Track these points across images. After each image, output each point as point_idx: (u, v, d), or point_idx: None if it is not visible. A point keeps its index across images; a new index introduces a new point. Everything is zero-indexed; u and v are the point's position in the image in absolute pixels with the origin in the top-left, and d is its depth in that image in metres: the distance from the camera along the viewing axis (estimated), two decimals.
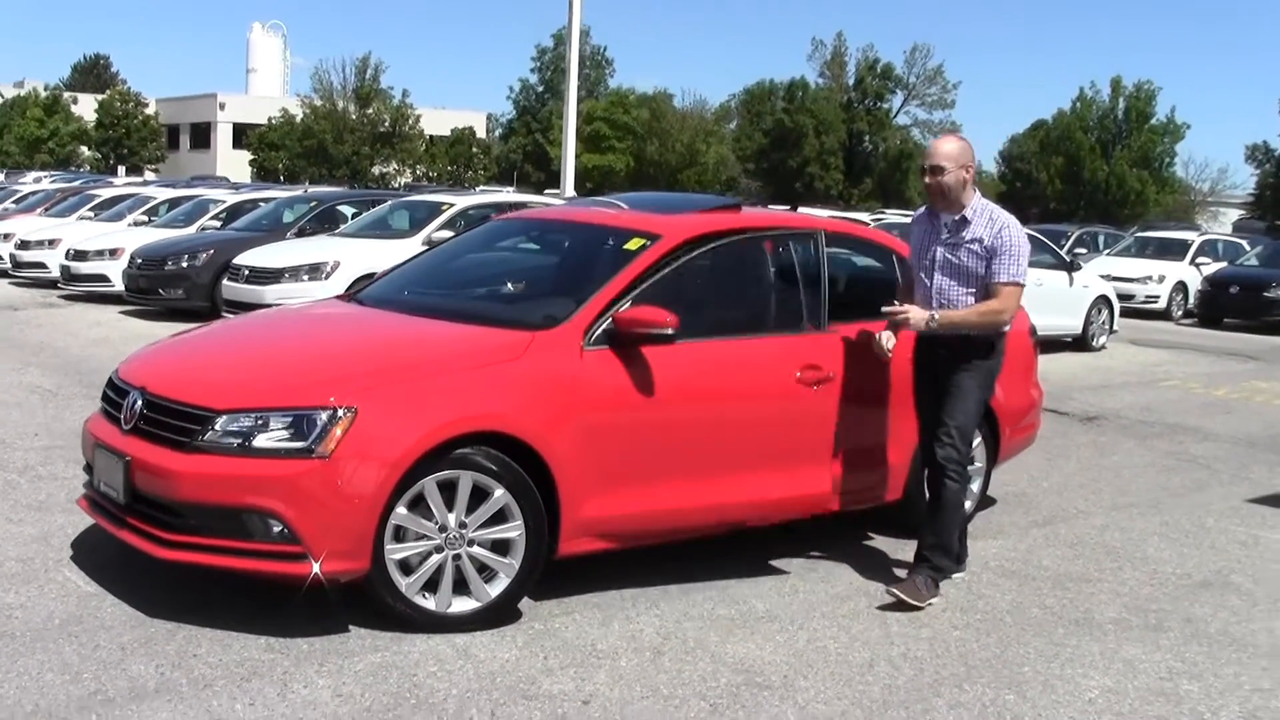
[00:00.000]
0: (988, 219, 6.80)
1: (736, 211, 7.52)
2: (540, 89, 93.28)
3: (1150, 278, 28.79)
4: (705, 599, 6.59)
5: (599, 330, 6.25)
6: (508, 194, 25.88)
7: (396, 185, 71.69)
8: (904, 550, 7.64)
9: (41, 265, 22.62)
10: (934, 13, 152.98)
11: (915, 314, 6.77)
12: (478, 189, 59.87)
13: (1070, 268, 20.37)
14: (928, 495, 7.00)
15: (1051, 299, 19.29)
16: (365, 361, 6.12)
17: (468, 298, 7.45)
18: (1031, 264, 19.02)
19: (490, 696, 5.18)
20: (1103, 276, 23.85)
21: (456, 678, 5.36)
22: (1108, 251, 32.70)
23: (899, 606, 6.51)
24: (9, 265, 23.66)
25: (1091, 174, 79.52)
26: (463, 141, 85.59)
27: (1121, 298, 22.90)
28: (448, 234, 16.58)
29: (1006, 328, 6.92)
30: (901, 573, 7.15)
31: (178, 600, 6.05)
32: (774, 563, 7.27)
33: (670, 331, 6.15)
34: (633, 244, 6.70)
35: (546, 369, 6.07)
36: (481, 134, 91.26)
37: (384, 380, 5.82)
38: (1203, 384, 17.25)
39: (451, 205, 17.96)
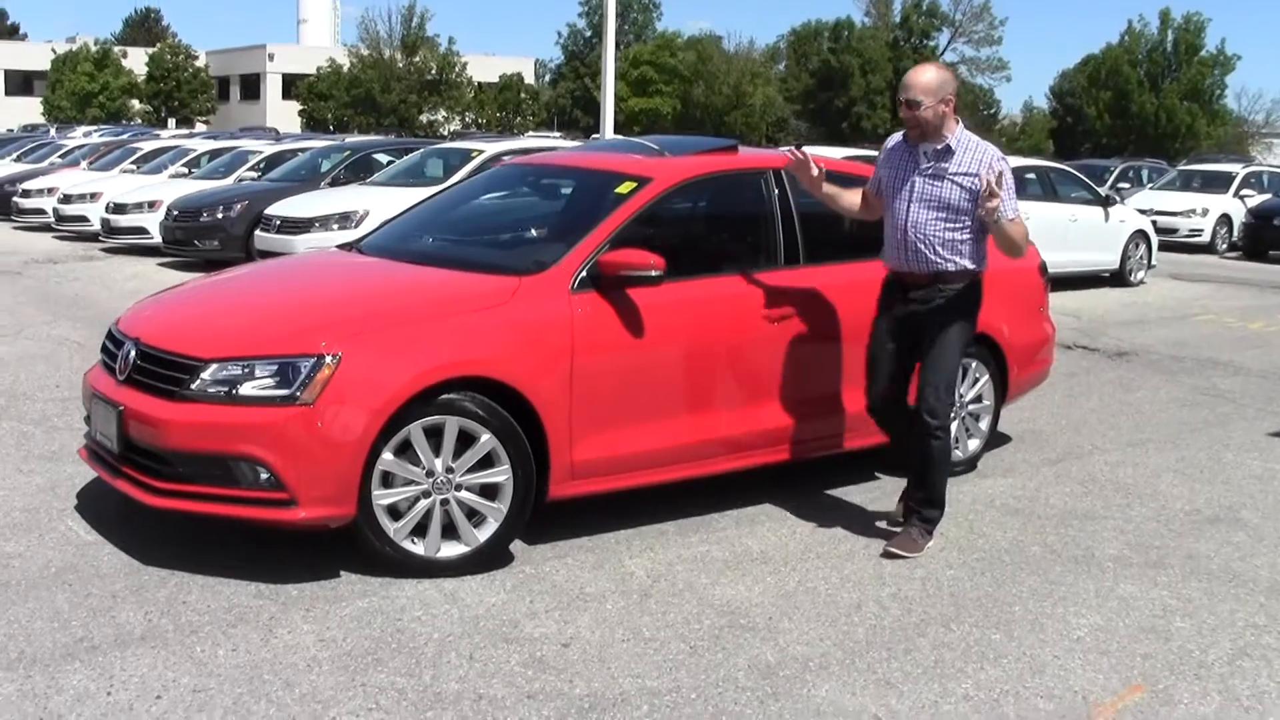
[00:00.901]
0: (974, 151, 6.42)
1: (733, 153, 7.47)
2: (589, 34, 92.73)
3: (1194, 211, 28.43)
4: (700, 540, 6.60)
5: (585, 274, 6.24)
6: (547, 139, 25.71)
7: (444, 133, 71.61)
8: None
9: (83, 219, 22.79)
10: None
11: (999, 205, 6.23)
12: (525, 135, 59.83)
13: (1106, 202, 20.16)
14: (913, 451, 6.65)
15: (1087, 234, 19.18)
16: (351, 309, 6.14)
17: (461, 244, 7.44)
18: (1069, 199, 19.16)
19: (471, 640, 5.21)
20: (1145, 211, 23.63)
21: (440, 622, 5.40)
22: (1151, 185, 32.34)
23: (896, 557, 6.42)
24: (53, 219, 23.87)
25: (1140, 108, 78.38)
26: (511, 88, 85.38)
27: (1164, 232, 22.72)
28: None
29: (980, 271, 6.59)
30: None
31: (173, 549, 6.10)
32: (775, 505, 7.25)
33: (655, 274, 6.13)
34: (623, 187, 6.68)
35: (533, 313, 6.07)
36: (530, 80, 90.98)
37: (368, 327, 5.84)
38: (1239, 318, 17.08)
39: (481, 152, 17.93)
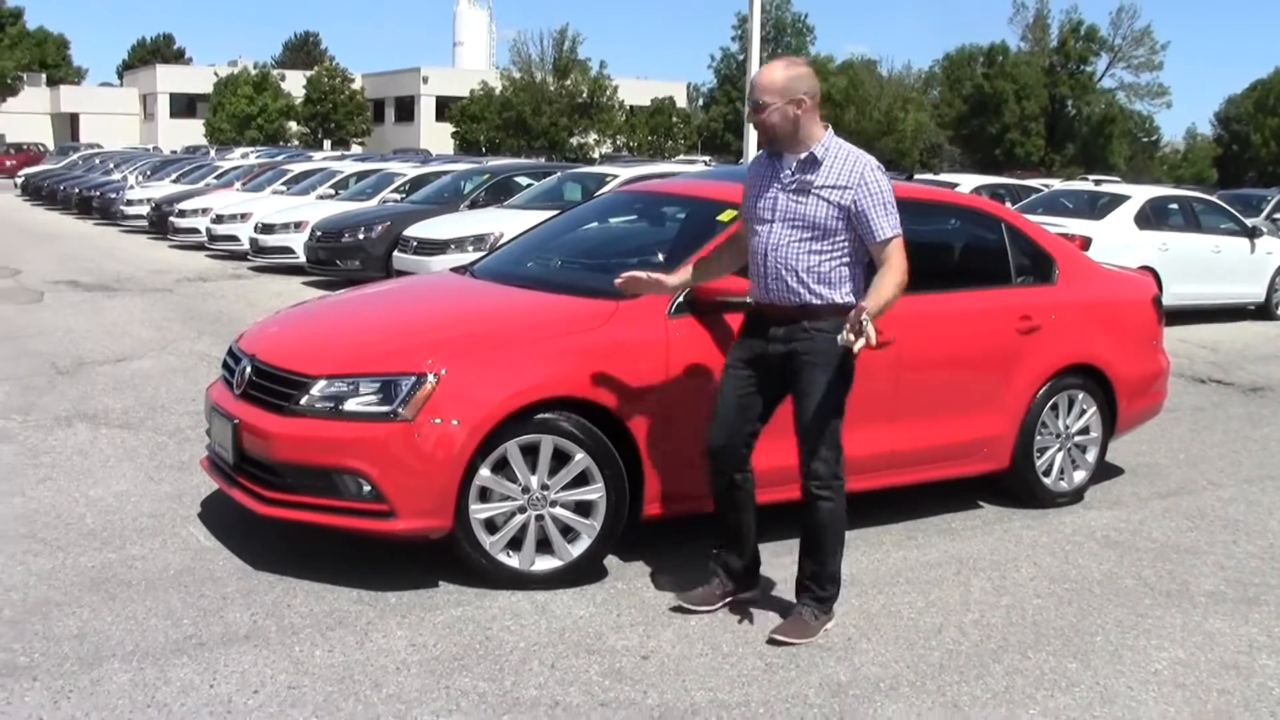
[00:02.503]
0: (843, 160, 5.57)
1: None
2: (741, 57, 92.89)
3: None
4: (791, 562, 6.64)
5: (682, 298, 6.39)
6: (693, 163, 25.73)
7: (594, 156, 72.29)
8: (1010, 519, 7.74)
9: (234, 238, 23.53)
10: None
11: (870, 336, 5.16)
12: (674, 158, 60.18)
13: (1253, 234, 19.83)
14: (802, 519, 5.85)
15: (1231, 266, 18.92)
16: (453, 330, 6.39)
17: (565, 269, 7.63)
18: (1210, 230, 18.86)
19: (555, 649, 5.41)
20: None
21: (528, 631, 5.61)
22: None
23: (781, 644, 5.60)
24: (206, 239, 24.64)
25: None
26: (662, 111, 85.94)
27: None
28: None
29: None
30: (1007, 540, 7.23)
31: (284, 556, 6.41)
32: (873, 530, 7.36)
33: (749, 300, 6.24)
34: (725, 215, 6.82)
35: (629, 336, 6.25)
36: (682, 103, 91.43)
37: (468, 348, 6.08)
38: None
39: (616, 176, 18.20)
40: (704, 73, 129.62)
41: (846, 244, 5.57)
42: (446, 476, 5.82)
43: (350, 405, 5.92)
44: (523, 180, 21.45)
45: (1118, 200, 18.87)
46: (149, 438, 8.97)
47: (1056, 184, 29.28)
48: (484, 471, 5.94)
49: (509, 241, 8.25)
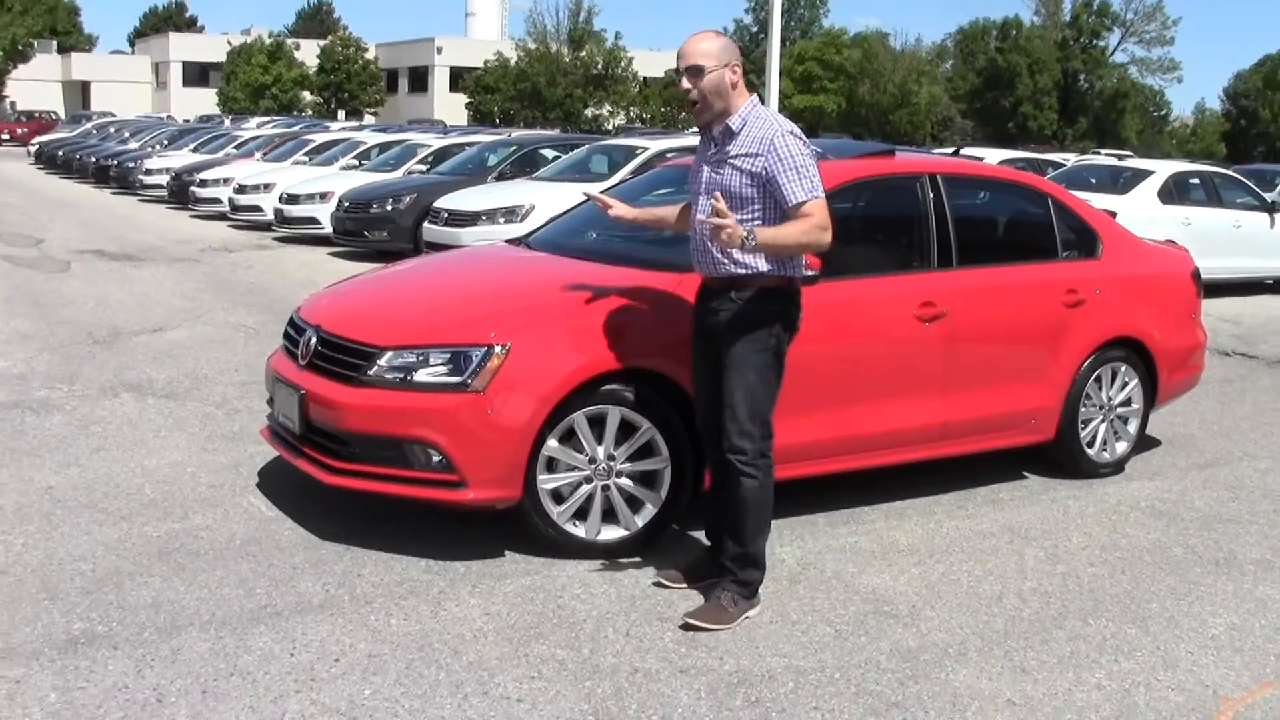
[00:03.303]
0: (756, 128, 5.49)
1: (889, 158, 7.67)
2: (754, 29, 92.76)
3: None
4: (849, 532, 6.84)
5: None
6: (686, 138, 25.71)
7: (609, 128, 72.19)
8: (1055, 489, 7.84)
9: (257, 209, 23.61)
10: None
11: (732, 228, 5.19)
12: (688, 131, 60.06)
13: (1272, 209, 19.87)
14: (726, 497, 5.70)
15: (1251, 241, 18.96)
16: (520, 301, 6.46)
17: (625, 241, 7.71)
18: (1230, 205, 18.91)
19: (628, 618, 5.52)
20: None
21: (599, 600, 5.71)
22: None
23: (696, 630, 5.44)
24: (228, 208, 24.73)
25: None
26: (675, 83, 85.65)
27: None
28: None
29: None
30: (1055, 510, 7.34)
31: (348, 525, 6.51)
32: (923, 500, 7.47)
33: (811, 273, 6.25)
34: None
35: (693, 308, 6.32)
36: None
37: (536, 319, 6.16)
38: None
39: (645, 149, 18.27)
40: None
41: (762, 212, 5.46)
42: (516, 447, 5.91)
43: (420, 376, 6.00)
44: (548, 153, 21.52)
45: (1141, 175, 18.93)
46: (197, 408, 9.07)
47: (1073, 159, 29.35)
48: (551, 442, 6.03)
49: (561, 215, 8.32)
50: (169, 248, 20.07)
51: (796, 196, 5.40)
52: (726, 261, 5.50)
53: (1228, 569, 6.56)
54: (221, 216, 25.18)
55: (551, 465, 6.08)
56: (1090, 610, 5.88)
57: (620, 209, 6.14)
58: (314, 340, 6.52)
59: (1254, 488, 8.15)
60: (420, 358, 6.04)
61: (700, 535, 6.33)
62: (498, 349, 5.95)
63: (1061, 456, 8.03)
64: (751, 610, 5.61)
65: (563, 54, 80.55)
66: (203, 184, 26.42)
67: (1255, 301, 18.51)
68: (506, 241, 8.40)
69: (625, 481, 6.22)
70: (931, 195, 7.33)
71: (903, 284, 7.16)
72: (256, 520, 6.64)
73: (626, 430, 6.17)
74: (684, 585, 5.89)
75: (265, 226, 23.21)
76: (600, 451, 6.14)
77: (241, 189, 24.25)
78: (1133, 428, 8.33)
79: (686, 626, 5.43)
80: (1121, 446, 8.28)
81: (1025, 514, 7.33)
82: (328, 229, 20.57)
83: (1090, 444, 8.08)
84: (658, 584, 5.91)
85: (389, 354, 6.09)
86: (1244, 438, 9.60)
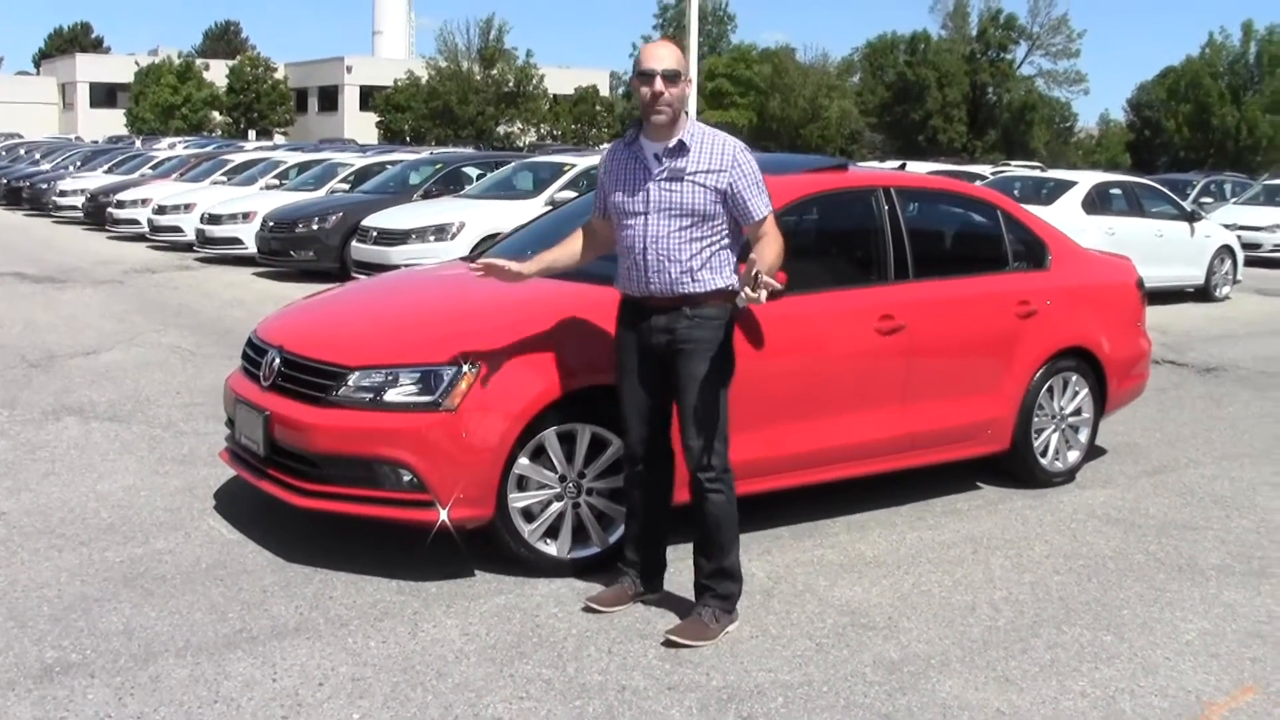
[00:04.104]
0: (711, 144, 5.47)
1: (843, 171, 7.71)
2: None
3: (1278, 226, 28.35)
4: (815, 545, 6.86)
5: None
6: None
7: (521, 145, 72.15)
8: (1011, 499, 7.91)
9: (177, 229, 23.44)
10: None
11: (757, 272, 5.05)
12: (600, 147, 60.18)
13: (1191, 218, 20.25)
14: (695, 516, 5.67)
15: (1173, 249, 19.27)
16: (486, 320, 6.38)
17: None
18: (1152, 214, 19.25)
19: (608, 635, 5.49)
20: (1229, 225, 23.64)
21: (576, 618, 5.68)
22: (1235, 200, 32.25)
23: (679, 647, 5.40)
24: (146, 229, 24.44)
25: (1221, 120, 77.94)
26: (586, 100, 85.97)
27: (1249, 247, 22.76)
28: (571, 194, 16.93)
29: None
30: (1013, 519, 7.41)
31: (313, 546, 6.44)
32: (883, 512, 7.50)
33: (779, 287, 6.25)
34: None
35: None
36: (605, 92, 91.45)
37: (505, 337, 6.08)
38: None
39: (573, 166, 18.29)
40: (625, 61, 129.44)
41: (724, 228, 5.49)
42: (489, 466, 5.87)
43: (390, 396, 5.94)
44: (471, 171, 21.48)
45: (1065, 186, 19.24)
46: (143, 431, 8.95)
47: (988, 170, 29.74)
48: (522, 460, 5.99)
49: (513, 232, 8.29)
50: (90, 269, 19.83)
51: (760, 212, 5.46)
52: (686, 280, 5.44)
53: (1190, 575, 6.64)
54: (140, 237, 24.95)
55: (522, 483, 6.04)
56: (1064, 618, 5.92)
57: (517, 267, 5.84)
58: (277, 361, 6.43)
59: (1203, 494, 8.26)
60: (389, 377, 5.98)
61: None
62: (468, 368, 5.91)
63: (1015, 466, 8.10)
64: (731, 625, 5.59)
65: (474, 72, 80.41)
66: (120, 205, 26.17)
67: (1178, 310, 18.80)
68: (461, 260, 8.35)
69: (596, 499, 6.20)
70: (886, 208, 7.38)
71: (862, 297, 7.20)
72: (219, 543, 6.55)
73: (597, 447, 6.14)
74: (614, 608, 5.79)
75: (186, 247, 22.99)
76: (571, 469, 6.11)
77: (161, 210, 24.03)
78: (1084, 437, 8.43)
79: (669, 644, 5.40)
80: (1073, 455, 8.37)
81: (985, 524, 7.38)
82: (251, 249, 20.41)
83: (1043, 453, 8.16)
84: (587, 609, 5.77)
85: (357, 374, 6.03)
86: (1186, 445, 9.74)
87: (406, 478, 5.88)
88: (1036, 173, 22.13)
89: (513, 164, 20.52)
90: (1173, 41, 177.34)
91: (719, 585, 5.62)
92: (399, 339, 6.32)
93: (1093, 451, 8.84)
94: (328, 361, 6.18)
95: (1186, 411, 11.09)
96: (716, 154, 5.44)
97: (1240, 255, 21.27)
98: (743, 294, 5.09)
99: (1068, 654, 5.50)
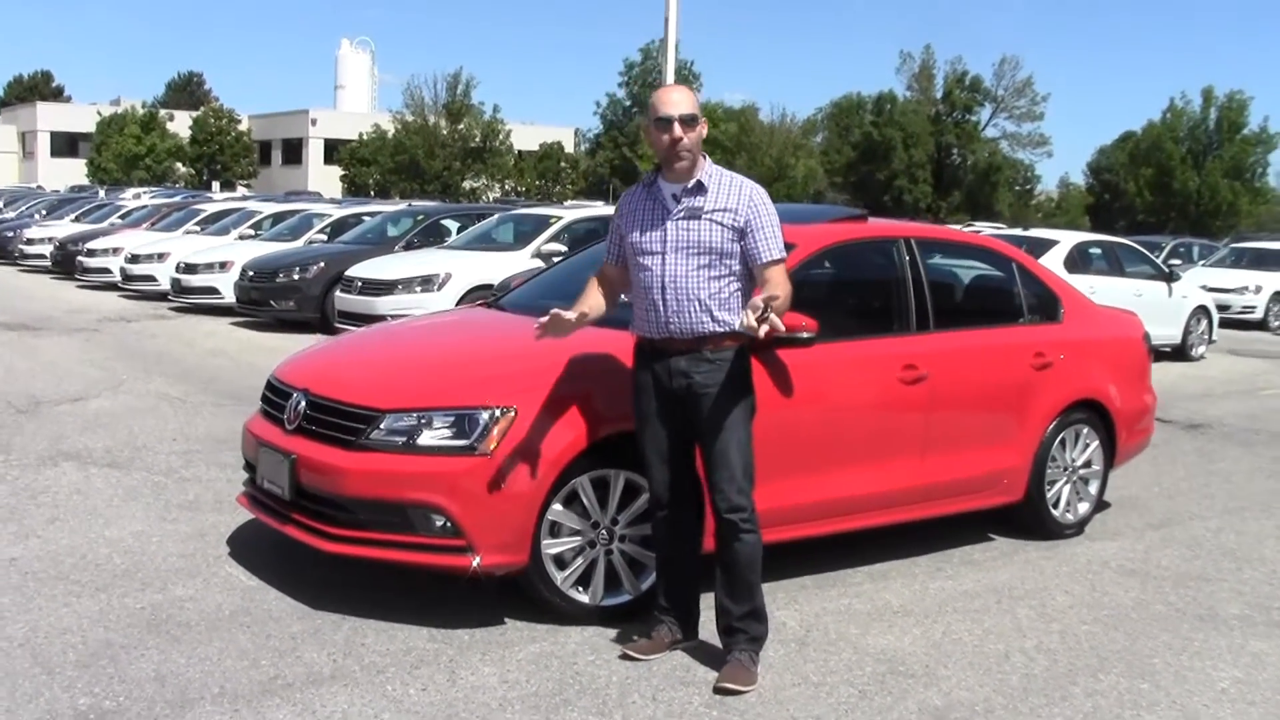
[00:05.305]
0: (729, 184, 5.56)
1: (864, 221, 7.75)
2: (628, 103, 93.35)
3: (1247, 288, 28.80)
4: (840, 594, 6.84)
5: None
6: (591, 207, 25.70)
7: (486, 200, 72.23)
8: (1024, 550, 7.92)
9: (151, 278, 23.35)
10: (1023, 25, 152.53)
11: (780, 303, 5.26)
12: (565, 204, 60.40)
13: (1170, 278, 20.46)
14: (722, 558, 5.64)
15: (1151, 309, 19.28)
16: (519, 364, 6.35)
17: None
18: (1130, 274, 19.40)
19: (650, 683, 5.45)
20: (1199, 288, 23.89)
21: (615, 665, 5.64)
22: (1203, 263, 32.69)
23: (731, 693, 5.38)
24: (119, 279, 24.32)
25: (1183, 184, 78.83)
26: (551, 156, 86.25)
27: (1217, 308, 22.92)
28: (557, 246, 16.96)
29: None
30: (1030, 570, 7.40)
31: (336, 593, 6.36)
32: (901, 562, 7.50)
33: (807, 335, 6.22)
34: None
35: None
36: (570, 149, 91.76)
37: (539, 382, 6.05)
38: None
39: (559, 219, 18.32)
40: (590, 119, 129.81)
41: (740, 267, 5.53)
42: (525, 512, 5.83)
43: (425, 439, 5.89)
44: (449, 223, 21.48)
45: (1047, 244, 19.38)
46: (144, 477, 8.85)
47: (963, 229, 29.96)
48: (555, 506, 5.95)
49: (533, 277, 8.28)
50: (64, 317, 19.67)
51: (773, 253, 5.50)
52: (706, 319, 5.46)
53: (1214, 624, 6.67)
54: (112, 286, 24.83)
55: (555, 530, 6.00)
56: (1098, 667, 5.93)
57: (569, 315, 5.66)
58: (303, 404, 6.38)
59: (1212, 546, 8.30)
60: (423, 420, 5.94)
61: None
62: (505, 411, 5.87)
63: (1028, 517, 8.11)
64: (758, 666, 5.56)
65: (441, 126, 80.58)
66: (90, 253, 26.02)
67: (1158, 369, 18.58)
68: (481, 304, 8.34)
69: (628, 545, 6.17)
70: (908, 259, 7.42)
71: (885, 346, 7.22)
72: (239, 590, 6.47)
73: (630, 493, 6.12)
74: (652, 656, 5.74)
75: (159, 296, 22.91)
76: (604, 516, 6.09)
77: (134, 258, 23.92)
78: (1094, 488, 8.46)
79: (723, 692, 5.35)
80: (1084, 507, 8.40)
81: (1004, 574, 7.39)
82: (228, 299, 20.33)
83: (1055, 505, 8.18)
84: (625, 656, 5.74)
85: (389, 417, 5.98)
86: (1186, 499, 9.79)
87: (440, 523, 5.82)
88: (1018, 231, 22.30)
89: (496, 216, 20.51)
90: (1134, 107, 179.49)
91: (751, 628, 5.59)
92: (431, 381, 6.28)
93: (1098, 505, 8.88)
94: (358, 404, 6.13)
95: (1180, 468, 11.15)
96: (734, 194, 5.51)
97: (1215, 316, 21.49)
98: (743, 315, 5.08)
99: (1108, 701, 5.51)
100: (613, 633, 6.00)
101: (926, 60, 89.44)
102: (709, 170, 5.56)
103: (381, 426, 5.98)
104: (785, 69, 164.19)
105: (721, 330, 5.47)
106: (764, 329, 5.00)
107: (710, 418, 5.48)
